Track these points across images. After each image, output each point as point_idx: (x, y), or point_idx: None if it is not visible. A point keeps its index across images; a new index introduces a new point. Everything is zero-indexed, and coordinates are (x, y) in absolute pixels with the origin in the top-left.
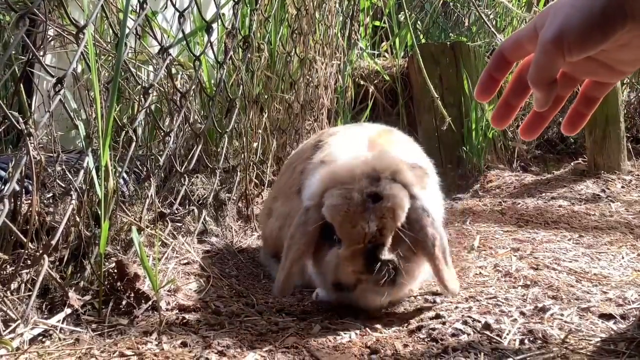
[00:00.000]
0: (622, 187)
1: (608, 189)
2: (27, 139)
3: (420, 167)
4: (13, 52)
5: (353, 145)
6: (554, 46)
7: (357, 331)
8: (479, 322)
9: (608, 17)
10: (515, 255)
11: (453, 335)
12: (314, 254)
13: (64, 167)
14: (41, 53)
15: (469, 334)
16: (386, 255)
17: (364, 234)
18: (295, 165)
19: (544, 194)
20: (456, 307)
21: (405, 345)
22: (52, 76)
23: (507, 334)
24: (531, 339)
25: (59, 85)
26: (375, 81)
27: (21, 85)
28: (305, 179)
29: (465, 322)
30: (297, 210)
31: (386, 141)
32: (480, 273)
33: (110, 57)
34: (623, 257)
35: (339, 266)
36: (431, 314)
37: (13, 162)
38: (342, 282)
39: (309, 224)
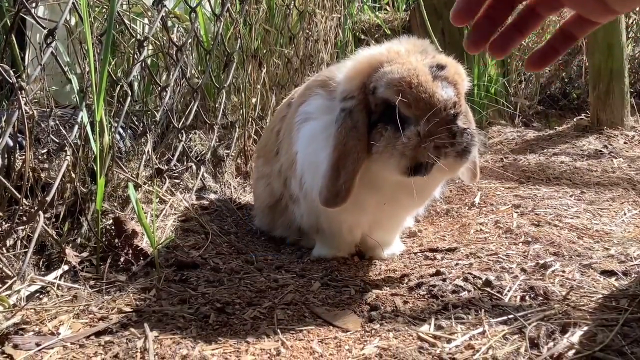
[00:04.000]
0: (625, 143)
1: (610, 144)
2: (19, 92)
3: None
4: (5, 4)
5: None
6: None
7: (357, 288)
8: (480, 278)
9: None
10: (516, 212)
11: (453, 292)
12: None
13: (57, 122)
14: (33, 5)
15: (469, 291)
16: (464, 123)
17: (444, 101)
18: (272, 126)
19: (545, 150)
20: (457, 264)
21: (405, 302)
22: (44, 28)
23: (508, 291)
24: (532, 295)
25: (51, 37)
26: (377, 35)
27: (13, 38)
28: (284, 135)
29: (465, 279)
30: (277, 171)
31: None
32: (481, 230)
33: (103, 9)
34: (625, 214)
35: (417, 146)
36: (431, 270)
37: (5, 117)
38: (422, 162)
39: (360, 127)
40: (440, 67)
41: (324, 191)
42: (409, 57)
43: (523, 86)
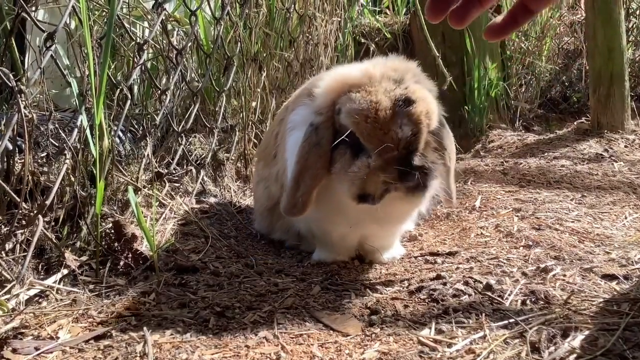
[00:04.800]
0: (625, 146)
1: (611, 148)
2: (19, 96)
3: None
4: (5, 7)
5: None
6: None
7: (357, 292)
8: (481, 282)
9: None
10: (517, 216)
11: (454, 296)
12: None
13: (57, 125)
14: (33, 8)
15: (470, 295)
16: (419, 161)
17: (397, 139)
18: (272, 130)
19: (546, 154)
20: (457, 268)
21: (406, 306)
22: (44, 32)
23: (509, 295)
24: (533, 299)
25: (50, 40)
26: (377, 39)
27: (13, 41)
28: (281, 139)
29: (466, 283)
30: (275, 175)
31: None
32: (481, 233)
33: (103, 13)
34: (626, 217)
35: (366, 177)
36: (432, 274)
37: (4, 120)
38: (369, 193)
39: (323, 145)
40: (408, 102)
41: (284, 201)
42: (380, 84)
43: (523, 90)
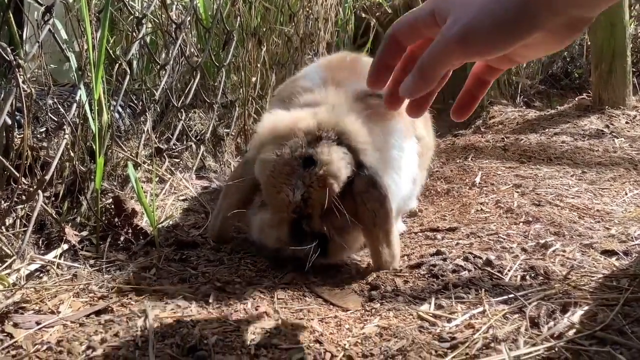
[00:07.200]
0: (627, 122)
1: (612, 124)
2: (17, 70)
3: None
4: None
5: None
6: (458, 46)
7: (358, 267)
8: (480, 258)
9: (520, 27)
10: (517, 192)
11: (454, 271)
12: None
13: (56, 100)
14: None
15: (469, 271)
16: (313, 227)
17: (287, 202)
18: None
19: (547, 130)
20: (457, 244)
21: (406, 282)
22: (41, 5)
23: (509, 271)
24: (533, 275)
25: (48, 14)
26: (377, 13)
27: (11, 15)
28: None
29: (466, 259)
30: None
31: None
32: (481, 209)
33: None
34: (626, 194)
35: (263, 230)
36: (432, 250)
37: (3, 95)
38: (267, 245)
39: (246, 180)
40: (307, 163)
41: (211, 225)
42: (295, 139)
43: (524, 65)
